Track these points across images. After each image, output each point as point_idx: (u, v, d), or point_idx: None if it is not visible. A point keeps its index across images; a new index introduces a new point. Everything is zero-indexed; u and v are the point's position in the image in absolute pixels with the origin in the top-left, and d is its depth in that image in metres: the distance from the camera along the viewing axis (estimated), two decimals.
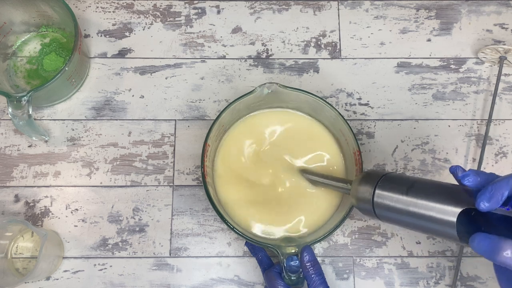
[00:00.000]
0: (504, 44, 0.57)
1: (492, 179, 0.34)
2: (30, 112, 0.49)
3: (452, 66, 0.61)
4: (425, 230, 0.36)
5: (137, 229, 0.55)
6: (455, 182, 0.37)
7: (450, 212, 0.33)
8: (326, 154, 0.53)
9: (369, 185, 0.39)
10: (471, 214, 0.35)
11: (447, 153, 0.58)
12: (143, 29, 0.61)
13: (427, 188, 0.36)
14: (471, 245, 0.32)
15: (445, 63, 0.61)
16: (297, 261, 0.44)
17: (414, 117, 0.59)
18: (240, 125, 0.53)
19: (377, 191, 0.38)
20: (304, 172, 0.51)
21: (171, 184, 0.56)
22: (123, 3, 0.62)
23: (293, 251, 0.45)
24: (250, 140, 0.53)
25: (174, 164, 0.57)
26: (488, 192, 0.32)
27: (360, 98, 0.59)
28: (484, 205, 0.32)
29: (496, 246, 0.30)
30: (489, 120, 0.57)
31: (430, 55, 0.61)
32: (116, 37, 0.61)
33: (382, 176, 0.40)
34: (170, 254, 0.54)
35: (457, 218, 0.33)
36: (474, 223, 0.35)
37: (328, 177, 0.48)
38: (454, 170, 0.36)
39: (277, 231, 0.50)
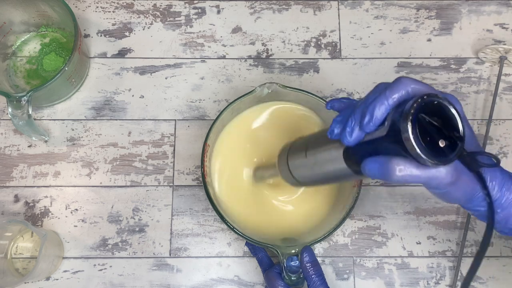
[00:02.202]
0: (505, 44, 0.57)
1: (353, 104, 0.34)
2: (30, 112, 0.49)
3: (453, 66, 0.61)
4: (334, 178, 0.38)
5: (137, 229, 0.55)
6: None
7: (334, 150, 0.35)
8: None
9: (283, 158, 0.42)
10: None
11: None
12: (143, 29, 0.61)
13: (317, 142, 0.38)
14: (365, 174, 0.31)
15: (445, 63, 0.61)
16: (297, 262, 0.44)
17: None
18: (235, 122, 0.53)
19: (289, 163, 0.41)
20: (255, 173, 0.51)
21: (171, 184, 0.56)
22: (123, 3, 0.62)
23: (293, 251, 0.45)
24: (246, 136, 0.53)
25: (174, 164, 0.57)
26: (339, 123, 0.33)
27: (360, 98, 0.59)
28: (343, 139, 0.32)
29: (387, 167, 0.29)
30: (489, 120, 0.57)
31: (430, 55, 0.61)
32: (116, 37, 0.61)
33: (289, 147, 0.42)
34: (170, 254, 0.54)
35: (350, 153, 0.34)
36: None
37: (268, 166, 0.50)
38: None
39: (277, 231, 0.50)
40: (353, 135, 0.31)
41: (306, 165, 0.39)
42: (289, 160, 0.41)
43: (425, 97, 0.28)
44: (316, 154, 0.37)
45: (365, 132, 0.31)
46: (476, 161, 0.30)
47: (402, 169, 0.28)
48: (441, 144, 0.28)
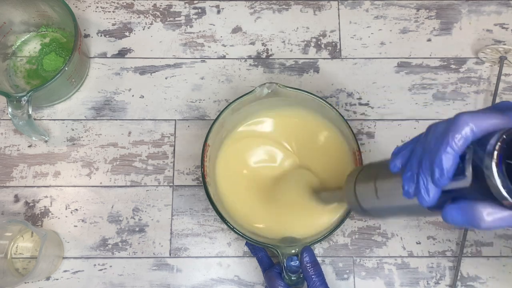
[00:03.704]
0: (504, 44, 0.57)
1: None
2: (30, 112, 0.49)
3: (452, 66, 0.61)
4: (409, 214, 0.35)
5: (137, 229, 0.55)
6: None
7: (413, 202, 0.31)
8: (333, 152, 0.52)
9: (350, 188, 0.38)
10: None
11: None
12: (143, 29, 0.61)
13: (390, 185, 0.34)
14: (447, 223, 0.28)
15: (445, 63, 0.61)
16: (297, 261, 0.44)
17: (414, 117, 0.59)
18: (243, 126, 0.53)
19: (358, 197, 0.37)
20: (315, 193, 0.49)
21: (171, 184, 0.56)
22: (123, 3, 0.62)
23: (293, 251, 0.45)
24: (252, 141, 0.53)
25: (174, 164, 0.57)
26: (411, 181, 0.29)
27: (360, 98, 0.59)
28: (421, 202, 0.28)
29: (472, 214, 0.26)
30: None
31: (430, 55, 0.61)
32: (116, 37, 0.61)
33: (355, 177, 0.39)
34: (170, 254, 0.54)
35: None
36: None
37: (328, 190, 0.47)
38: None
39: (277, 231, 0.50)
40: (431, 195, 0.28)
41: (379, 204, 0.36)
42: (358, 194, 0.37)
43: (504, 136, 0.24)
44: (390, 198, 0.34)
45: (440, 189, 0.27)
46: None
47: (491, 212, 0.25)
48: None
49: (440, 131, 0.27)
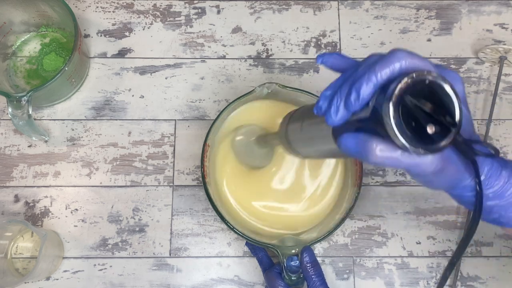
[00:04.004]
0: (504, 44, 0.57)
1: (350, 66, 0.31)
2: (30, 112, 0.49)
3: (453, 66, 0.61)
4: (328, 154, 0.36)
5: (137, 229, 0.55)
6: None
7: (325, 128, 0.32)
8: None
9: (283, 128, 0.40)
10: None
11: None
12: (143, 29, 0.61)
13: (310, 116, 0.35)
14: (341, 150, 0.28)
15: (445, 63, 0.61)
16: (297, 261, 0.44)
17: None
18: (234, 121, 0.52)
19: (288, 134, 0.39)
20: (259, 138, 0.49)
21: (171, 184, 0.56)
22: (123, 3, 0.62)
23: (293, 251, 0.45)
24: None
25: (174, 164, 0.57)
26: (326, 99, 0.29)
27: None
28: (327, 118, 0.28)
29: (365, 145, 0.26)
30: (489, 120, 0.57)
31: (430, 55, 0.61)
32: (116, 37, 0.61)
33: (289, 117, 0.40)
34: (170, 254, 0.54)
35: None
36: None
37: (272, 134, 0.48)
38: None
39: (277, 231, 0.50)
40: (338, 115, 0.28)
41: (302, 139, 0.37)
42: (288, 132, 0.39)
43: (414, 75, 0.24)
44: (310, 128, 0.35)
45: (350, 112, 0.28)
46: (472, 149, 0.28)
47: (383, 149, 0.26)
48: (430, 130, 0.24)
49: (373, 60, 0.27)
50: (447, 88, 0.25)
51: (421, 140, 0.24)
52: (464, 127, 0.26)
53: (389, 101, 0.24)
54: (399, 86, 0.24)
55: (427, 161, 0.26)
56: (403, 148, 0.25)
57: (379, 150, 0.26)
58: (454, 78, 0.28)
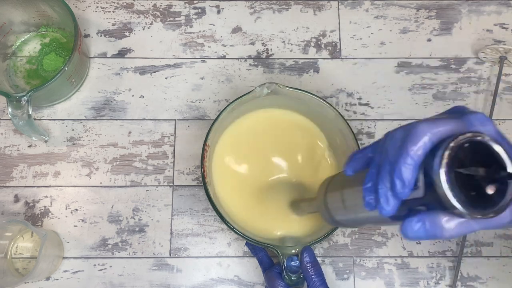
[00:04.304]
0: (505, 44, 0.57)
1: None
2: (30, 112, 0.49)
3: (453, 66, 0.61)
4: (376, 224, 0.34)
5: (137, 229, 0.55)
6: None
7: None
8: (322, 151, 0.53)
9: (321, 201, 0.39)
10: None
11: None
12: (143, 29, 0.61)
13: (356, 196, 0.33)
14: (408, 238, 0.27)
15: (445, 63, 0.61)
16: (297, 261, 0.44)
17: (415, 117, 0.59)
18: (236, 125, 0.53)
19: (329, 208, 0.38)
20: (292, 204, 0.50)
21: (171, 184, 0.56)
22: (123, 3, 0.62)
23: (293, 251, 0.45)
24: (245, 140, 0.53)
25: (174, 164, 0.57)
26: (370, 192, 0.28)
27: (360, 98, 0.59)
28: (381, 212, 0.27)
29: (433, 225, 0.25)
30: None
31: (430, 55, 0.61)
32: (116, 37, 0.61)
33: (325, 188, 0.38)
34: (170, 254, 0.54)
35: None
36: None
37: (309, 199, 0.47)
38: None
39: (277, 231, 0.50)
40: (391, 205, 0.27)
41: (347, 214, 0.35)
42: (328, 204, 0.37)
43: (452, 144, 0.23)
44: (357, 210, 0.33)
45: (401, 199, 0.27)
46: None
47: (451, 221, 0.25)
48: (490, 191, 0.23)
49: (399, 139, 0.27)
50: (493, 145, 0.24)
51: (485, 204, 0.23)
52: None
53: (439, 177, 0.23)
54: (444, 159, 0.23)
55: (498, 219, 0.25)
56: (470, 218, 0.24)
57: (448, 223, 0.25)
58: (484, 121, 0.26)
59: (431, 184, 0.24)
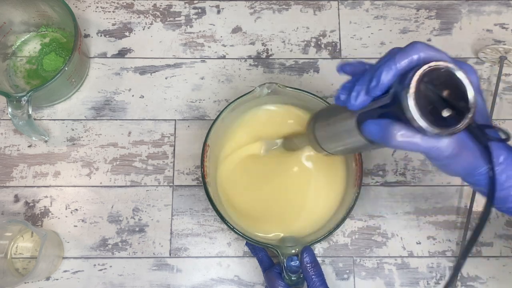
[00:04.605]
0: (505, 44, 0.57)
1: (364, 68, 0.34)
2: (30, 112, 0.49)
3: None
4: (354, 147, 0.37)
5: (137, 229, 0.55)
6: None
7: (349, 120, 0.34)
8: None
9: (310, 128, 0.42)
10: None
11: None
12: (143, 29, 0.61)
13: (335, 111, 0.38)
14: (365, 135, 0.31)
15: None
16: (297, 261, 0.44)
17: None
18: (241, 124, 0.53)
19: (315, 133, 0.41)
20: (286, 142, 0.51)
21: (171, 184, 0.56)
22: (123, 3, 0.62)
23: (293, 251, 0.45)
24: (251, 138, 0.53)
25: (174, 164, 0.57)
26: (349, 84, 0.32)
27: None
28: (347, 103, 0.31)
29: (387, 130, 0.28)
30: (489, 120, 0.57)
31: None
32: (116, 37, 0.61)
33: (314, 115, 0.42)
34: (170, 254, 0.54)
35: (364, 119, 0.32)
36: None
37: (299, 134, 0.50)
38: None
39: (278, 231, 0.50)
40: (358, 99, 0.31)
41: (328, 133, 0.39)
42: (315, 128, 0.41)
43: (431, 64, 0.27)
44: (336, 122, 0.37)
45: (371, 97, 0.30)
46: (485, 134, 0.29)
47: (404, 134, 0.28)
48: (445, 113, 0.27)
49: (393, 52, 0.30)
50: (461, 75, 0.27)
51: (438, 124, 0.26)
52: (478, 114, 0.28)
53: (408, 86, 0.26)
54: (418, 72, 0.26)
55: (444, 144, 0.28)
56: (421, 131, 0.27)
57: (400, 135, 0.28)
58: (469, 69, 0.30)
59: (398, 96, 0.27)
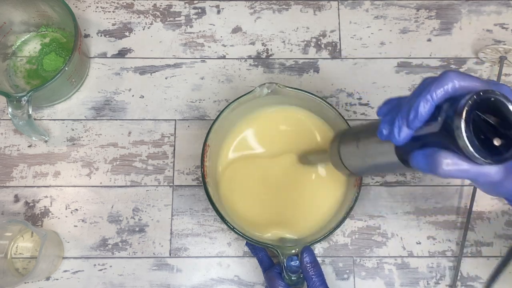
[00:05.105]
0: (505, 44, 0.57)
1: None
2: (30, 112, 0.49)
3: (453, 66, 0.61)
4: (386, 169, 0.38)
5: (137, 229, 0.55)
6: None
7: (387, 145, 0.34)
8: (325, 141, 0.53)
9: (335, 146, 0.42)
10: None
11: None
12: (143, 29, 0.61)
13: (369, 134, 0.38)
14: (413, 166, 0.31)
15: (445, 63, 0.61)
16: (297, 261, 0.44)
17: None
18: (243, 125, 0.53)
19: (341, 152, 0.41)
20: (301, 156, 0.51)
21: (171, 184, 0.56)
22: (123, 3, 0.62)
23: (293, 251, 0.45)
24: (253, 140, 0.53)
25: (174, 164, 0.57)
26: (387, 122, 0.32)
27: (360, 98, 0.59)
28: (392, 139, 0.31)
29: (434, 159, 0.28)
30: None
31: (430, 55, 0.61)
32: (116, 37, 0.61)
33: (340, 134, 0.43)
34: (170, 254, 0.54)
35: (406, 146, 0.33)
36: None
37: (317, 151, 0.50)
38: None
39: (278, 231, 0.50)
40: (402, 135, 0.31)
41: (358, 156, 0.39)
42: (341, 149, 0.41)
43: (481, 94, 0.27)
44: (368, 146, 0.37)
45: (412, 130, 0.30)
46: None
47: (450, 163, 0.28)
48: (496, 142, 0.27)
49: (427, 82, 0.30)
50: (510, 105, 0.28)
51: (488, 153, 0.27)
52: None
53: (460, 115, 0.26)
54: (469, 102, 0.27)
55: (493, 170, 0.28)
56: (472, 158, 0.27)
57: (448, 164, 0.28)
58: (508, 92, 0.30)
59: (447, 125, 0.28)
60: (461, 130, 0.26)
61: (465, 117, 0.26)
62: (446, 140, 0.28)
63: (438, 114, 0.29)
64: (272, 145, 0.53)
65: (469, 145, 0.26)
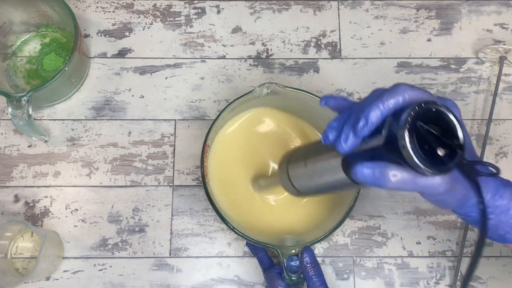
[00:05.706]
0: (504, 44, 0.57)
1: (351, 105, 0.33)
2: (30, 112, 0.49)
3: (452, 66, 0.61)
4: (334, 187, 0.37)
5: (137, 229, 0.55)
6: None
7: (333, 160, 0.34)
8: None
9: (283, 167, 0.42)
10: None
11: None
12: (143, 29, 0.61)
13: (316, 151, 0.38)
14: (357, 180, 0.30)
15: (445, 63, 0.61)
16: (297, 261, 0.44)
17: None
18: (232, 125, 0.53)
19: (289, 172, 0.41)
20: (253, 183, 0.51)
21: (171, 184, 0.56)
22: (123, 3, 0.62)
23: (293, 251, 0.45)
24: (241, 140, 0.53)
25: (174, 164, 0.57)
26: (334, 127, 0.32)
27: (360, 98, 0.59)
28: (337, 146, 0.31)
29: (381, 173, 0.28)
30: (489, 120, 0.57)
31: (430, 55, 0.61)
32: (116, 37, 0.61)
33: (288, 155, 0.42)
34: (170, 254, 0.54)
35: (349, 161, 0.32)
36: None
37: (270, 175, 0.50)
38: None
39: (277, 231, 0.50)
40: (348, 142, 0.30)
41: (306, 175, 0.38)
42: (289, 170, 0.40)
43: (423, 105, 0.27)
44: (316, 163, 0.37)
45: (360, 138, 0.30)
46: (475, 171, 0.29)
47: (397, 175, 0.28)
48: (440, 152, 0.27)
49: (378, 93, 0.30)
50: (451, 115, 0.28)
51: (432, 163, 0.27)
52: (466, 149, 0.28)
53: (404, 126, 0.27)
54: (412, 113, 0.27)
55: (438, 181, 0.28)
56: (417, 169, 0.27)
57: (395, 175, 0.28)
58: (452, 105, 0.31)
59: (391, 138, 0.28)
60: (405, 140, 0.26)
61: (409, 127, 0.26)
62: (391, 153, 0.28)
63: (382, 127, 0.29)
64: (261, 146, 0.53)
65: (413, 154, 0.26)
